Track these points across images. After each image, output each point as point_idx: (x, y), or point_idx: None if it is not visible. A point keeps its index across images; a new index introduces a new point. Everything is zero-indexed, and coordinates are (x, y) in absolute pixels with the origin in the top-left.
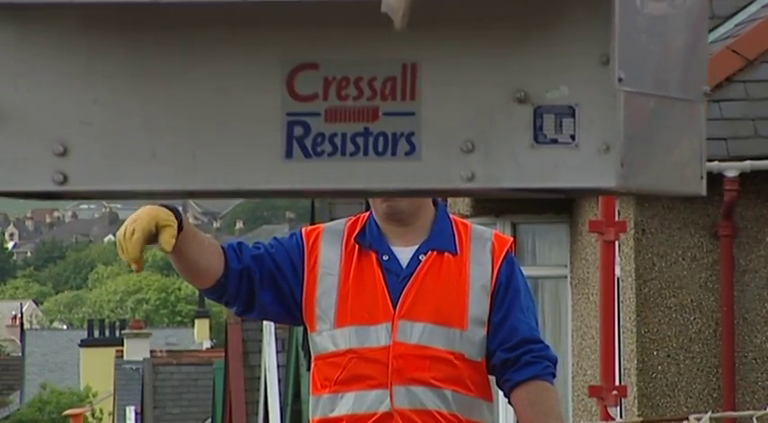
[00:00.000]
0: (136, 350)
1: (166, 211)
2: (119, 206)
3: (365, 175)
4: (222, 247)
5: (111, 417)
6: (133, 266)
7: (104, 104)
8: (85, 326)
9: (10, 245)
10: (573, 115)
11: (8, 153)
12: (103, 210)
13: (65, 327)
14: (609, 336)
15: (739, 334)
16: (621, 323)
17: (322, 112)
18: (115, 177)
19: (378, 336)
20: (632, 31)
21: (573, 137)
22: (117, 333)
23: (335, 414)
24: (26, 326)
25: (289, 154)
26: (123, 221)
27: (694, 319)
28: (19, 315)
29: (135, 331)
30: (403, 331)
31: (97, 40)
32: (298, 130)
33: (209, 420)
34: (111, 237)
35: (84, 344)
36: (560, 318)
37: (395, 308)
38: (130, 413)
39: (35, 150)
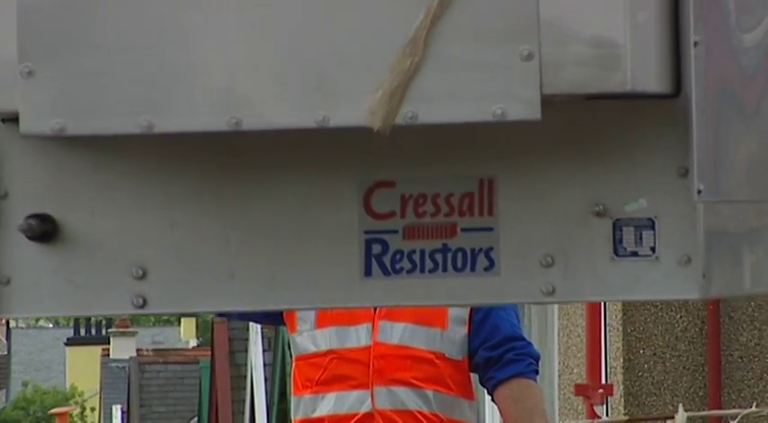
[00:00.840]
0: (122, 349)
1: None
2: None
3: (444, 292)
4: None
5: (98, 415)
6: None
7: (182, 227)
8: (71, 324)
9: None
10: (653, 228)
11: (87, 278)
12: None
13: (51, 325)
14: (595, 334)
15: (725, 332)
16: (608, 321)
17: (400, 230)
18: (194, 299)
19: (358, 336)
20: (710, 142)
21: (653, 249)
22: (103, 331)
23: (317, 414)
24: (12, 324)
25: (368, 272)
26: None
27: (680, 317)
28: None
29: (121, 330)
30: (383, 331)
31: (175, 164)
32: (376, 248)
33: (196, 419)
34: None
35: (71, 342)
36: (546, 316)
37: (375, 308)
38: (117, 412)
39: (114, 275)
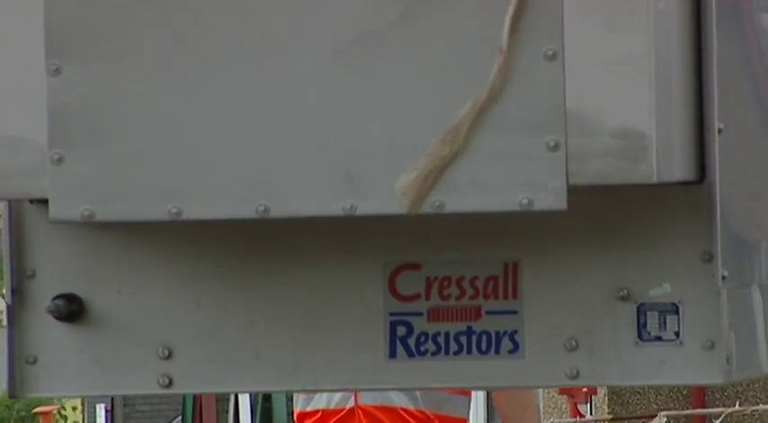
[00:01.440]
0: None
1: None
2: None
3: (468, 374)
4: None
5: (82, 415)
6: None
7: (208, 307)
8: None
9: None
10: (677, 313)
11: (113, 358)
12: None
13: None
14: None
15: None
16: None
17: (425, 312)
18: (219, 380)
19: None
20: (734, 229)
21: (677, 334)
22: None
23: (311, 408)
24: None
25: (392, 354)
26: None
27: None
28: None
29: None
30: None
31: (201, 246)
32: (401, 330)
33: (179, 418)
34: None
35: None
36: None
37: None
38: (101, 411)
39: (140, 355)
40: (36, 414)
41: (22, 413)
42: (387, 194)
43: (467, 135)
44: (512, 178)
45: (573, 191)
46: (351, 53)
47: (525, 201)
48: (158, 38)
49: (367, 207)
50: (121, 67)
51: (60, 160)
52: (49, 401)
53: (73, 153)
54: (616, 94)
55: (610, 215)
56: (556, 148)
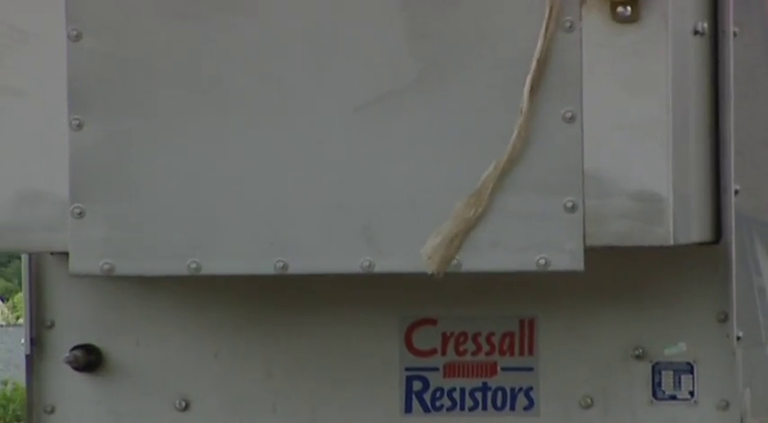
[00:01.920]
0: None
1: None
2: None
3: None
4: None
5: None
6: None
7: (226, 359)
8: None
9: None
10: (692, 372)
11: (130, 409)
12: None
13: None
14: None
15: None
16: None
17: (441, 367)
18: None
19: None
20: (750, 290)
21: (692, 393)
22: None
23: None
24: None
25: (408, 409)
26: None
27: None
28: None
29: None
30: None
31: (219, 298)
32: (417, 385)
33: None
34: None
35: None
36: None
37: None
38: None
39: (157, 406)
40: None
41: (18, 412)
42: (404, 253)
43: (490, 197)
44: (529, 238)
45: (590, 250)
46: (371, 112)
47: (542, 261)
48: (179, 95)
49: (384, 265)
50: (142, 123)
51: (81, 214)
52: None
53: (93, 208)
54: (634, 157)
55: (626, 274)
56: (573, 209)
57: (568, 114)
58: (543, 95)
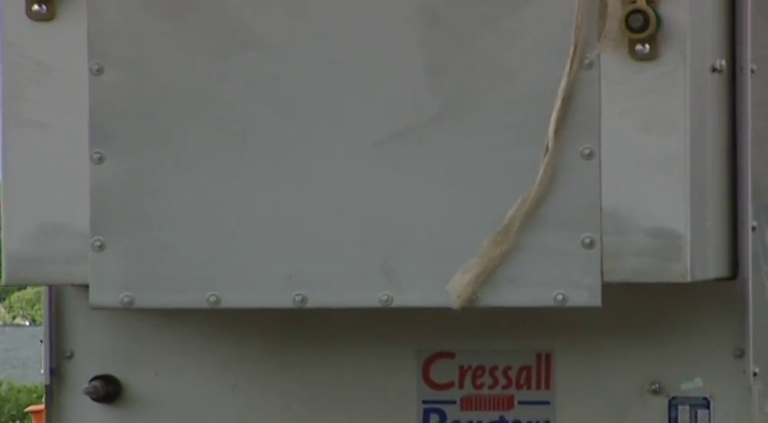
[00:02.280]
0: None
1: None
2: None
3: None
4: None
5: None
6: None
7: (244, 391)
8: None
9: None
10: (708, 407)
11: None
12: None
13: (27, 323)
14: None
15: None
16: None
17: (458, 401)
18: None
19: None
20: (766, 326)
21: None
22: None
23: None
24: None
25: None
26: None
27: None
28: None
29: None
30: None
31: (238, 330)
32: (434, 418)
33: None
34: None
35: None
36: None
37: None
38: None
39: None
40: (27, 413)
41: (13, 412)
42: (423, 287)
43: (516, 234)
44: (547, 274)
45: (607, 286)
46: (391, 147)
47: (560, 297)
48: (199, 129)
49: (403, 299)
50: (163, 157)
51: (101, 247)
52: (41, 400)
53: (114, 240)
54: (651, 194)
55: (643, 309)
56: (591, 245)
57: (587, 151)
58: (564, 132)
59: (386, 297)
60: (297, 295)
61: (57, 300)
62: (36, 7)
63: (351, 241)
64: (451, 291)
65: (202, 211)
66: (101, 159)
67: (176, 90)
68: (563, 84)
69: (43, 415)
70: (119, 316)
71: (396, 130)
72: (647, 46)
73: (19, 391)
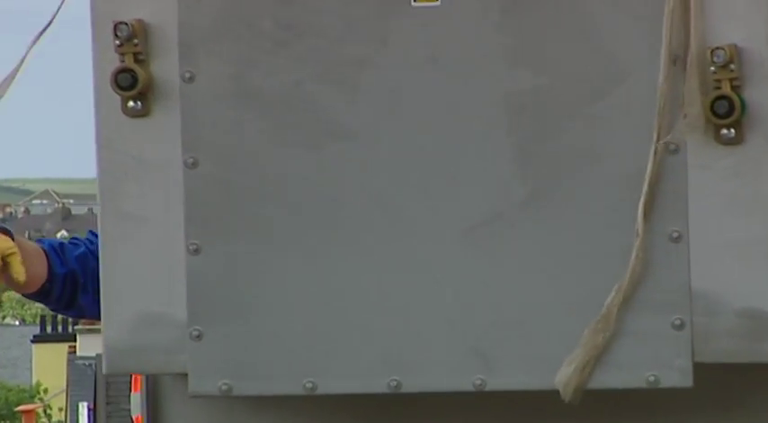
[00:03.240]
0: (89, 346)
1: (3, 236)
2: (71, 202)
3: None
4: (43, 250)
5: (64, 413)
6: None
7: None
8: (38, 322)
9: None
10: None
11: None
12: (56, 205)
13: (17, 323)
14: None
15: None
16: None
17: None
18: None
19: None
20: None
21: None
22: (70, 329)
23: None
24: None
25: None
26: (76, 218)
27: None
28: None
29: (88, 327)
30: None
31: (333, 417)
32: None
33: None
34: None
35: (37, 340)
36: None
37: None
38: (83, 409)
39: None
40: (17, 412)
41: (3, 411)
42: (516, 371)
43: (615, 321)
44: (639, 356)
45: (699, 366)
46: (480, 233)
47: (652, 378)
48: (293, 219)
49: (497, 383)
50: (258, 247)
51: (199, 337)
52: (31, 400)
53: (211, 330)
54: (740, 275)
55: (735, 392)
56: (681, 327)
57: (675, 234)
58: (653, 216)
59: (479, 381)
60: (391, 380)
61: (153, 387)
62: (131, 104)
63: (443, 326)
64: (558, 383)
65: (297, 298)
66: (197, 250)
67: (269, 181)
68: (648, 169)
69: (33, 415)
70: (215, 403)
71: (486, 216)
72: (733, 130)
73: (9, 391)
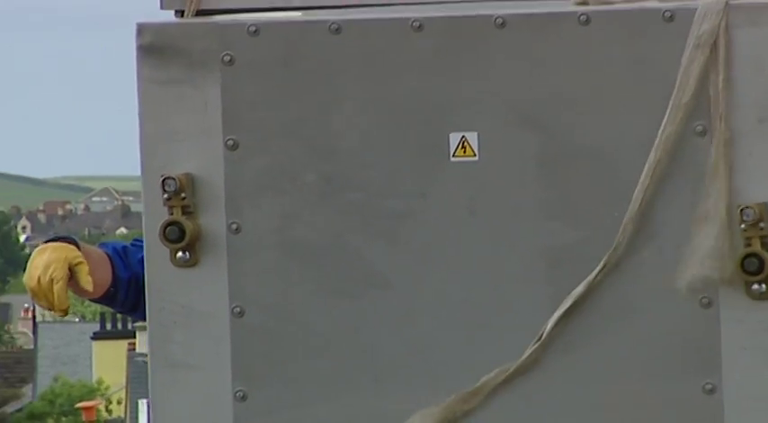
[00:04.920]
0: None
1: (70, 246)
2: (131, 199)
3: None
4: (107, 255)
5: (124, 410)
6: (59, 314)
7: None
8: (98, 319)
9: (22, 238)
10: None
11: None
12: (116, 202)
13: (77, 319)
14: None
15: None
16: None
17: None
18: None
19: None
20: None
21: None
22: (129, 326)
23: None
24: (38, 319)
25: None
26: (136, 215)
27: None
28: (31, 308)
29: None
30: None
31: None
32: None
33: None
34: (123, 229)
35: (97, 337)
36: None
37: None
38: (143, 406)
39: None
40: (78, 409)
41: (65, 408)
42: None
43: None
44: None
45: None
46: (518, 379)
47: None
48: (336, 366)
49: None
50: (302, 394)
51: None
52: (91, 397)
53: None
54: None
55: None
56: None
57: (709, 387)
58: (686, 368)
59: None
60: None
61: None
62: (180, 255)
63: None
64: None
65: None
66: (244, 397)
67: (312, 330)
68: (681, 322)
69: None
70: None
71: (522, 362)
72: (764, 285)
73: (72, 387)
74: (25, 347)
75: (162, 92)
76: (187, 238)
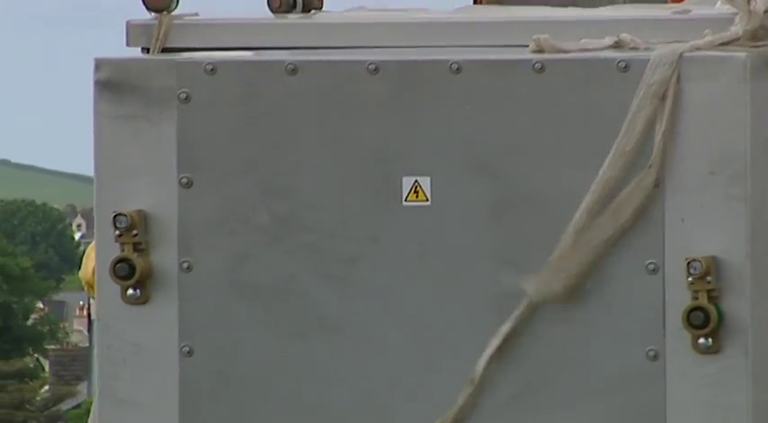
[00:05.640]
0: None
1: None
2: None
3: None
4: None
5: None
6: None
7: None
8: None
9: (77, 236)
10: None
11: None
12: None
13: None
14: None
15: None
16: None
17: None
18: None
19: None
20: None
21: None
22: None
23: None
24: (93, 316)
25: None
26: None
27: None
28: (86, 305)
29: None
30: None
31: None
32: None
33: None
34: None
35: None
36: None
37: None
38: None
39: None
40: None
41: None
42: None
43: None
44: None
45: None
46: None
47: None
48: (282, 408)
49: None
50: None
51: None
52: None
53: None
54: None
55: None
56: None
57: None
58: (632, 420)
59: None
60: None
61: None
62: (131, 292)
63: None
64: None
65: None
66: None
67: (261, 371)
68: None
69: None
70: None
71: (468, 414)
72: (710, 340)
73: None
74: (81, 345)
75: (118, 127)
76: (137, 276)
